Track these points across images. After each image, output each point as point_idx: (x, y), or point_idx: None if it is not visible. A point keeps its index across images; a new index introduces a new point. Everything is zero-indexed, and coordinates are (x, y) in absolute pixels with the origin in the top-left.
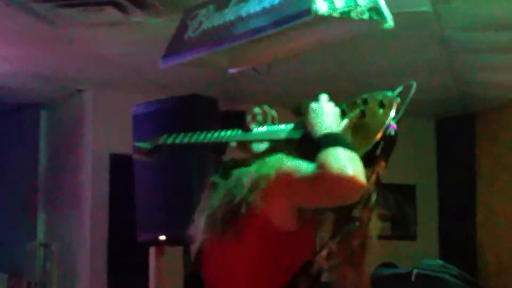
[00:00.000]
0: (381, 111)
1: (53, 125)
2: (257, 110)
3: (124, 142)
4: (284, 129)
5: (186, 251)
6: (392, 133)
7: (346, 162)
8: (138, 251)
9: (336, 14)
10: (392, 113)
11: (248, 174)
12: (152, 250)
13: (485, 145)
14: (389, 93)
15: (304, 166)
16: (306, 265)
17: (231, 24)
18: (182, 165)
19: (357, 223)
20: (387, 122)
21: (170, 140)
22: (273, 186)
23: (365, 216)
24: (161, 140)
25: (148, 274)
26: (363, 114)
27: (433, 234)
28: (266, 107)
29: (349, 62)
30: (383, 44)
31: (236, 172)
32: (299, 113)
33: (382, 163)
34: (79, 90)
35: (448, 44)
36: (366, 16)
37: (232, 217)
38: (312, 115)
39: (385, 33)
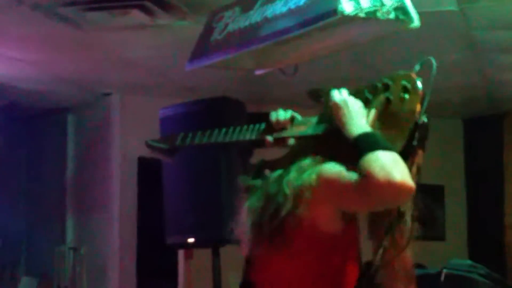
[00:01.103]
0: (407, 96)
1: (80, 129)
2: (273, 118)
3: None
4: (311, 124)
5: (215, 253)
6: (425, 120)
7: (391, 168)
8: (167, 254)
9: (362, 14)
10: (419, 98)
11: (288, 182)
12: (181, 253)
13: None
14: (408, 74)
15: (346, 172)
16: (367, 267)
17: (257, 25)
18: (210, 167)
19: (406, 218)
20: (417, 110)
21: (188, 141)
22: (318, 194)
23: (408, 207)
24: (178, 141)
25: (177, 276)
26: (388, 101)
27: (462, 235)
28: (280, 115)
29: (374, 64)
30: (410, 44)
31: (274, 177)
32: (317, 99)
33: (420, 152)
34: (105, 94)
35: (475, 44)
36: (392, 16)
37: (280, 229)
38: (339, 112)
39: (412, 33)
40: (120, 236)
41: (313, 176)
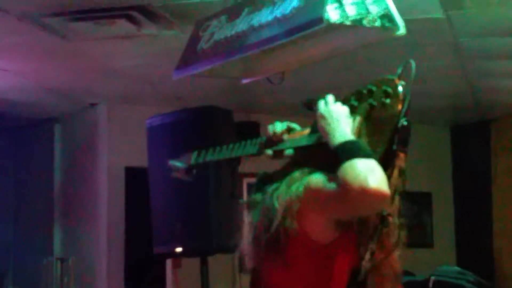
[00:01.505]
0: (388, 100)
1: (67, 139)
2: (270, 131)
3: (139, 155)
4: (305, 134)
5: (203, 262)
6: (405, 122)
7: (366, 176)
8: (155, 264)
9: (348, 22)
10: (400, 102)
11: (278, 195)
12: (169, 262)
13: (500, 151)
14: (391, 78)
15: (328, 183)
16: (355, 273)
17: (243, 34)
18: (197, 176)
19: (390, 220)
20: (397, 113)
21: (201, 159)
22: (305, 206)
23: (394, 210)
24: (193, 160)
25: (165, 285)
26: (371, 107)
27: (450, 242)
28: (277, 127)
29: (362, 71)
30: (396, 51)
31: (271, 190)
32: (311, 109)
33: (402, 156)
34: (92, 104)
35: (461, 51)
36: (378, 23)
37: (274, 242)
38: (323, 122)
39: (398, 41)
40: (108, 246)
41: (300, 188)
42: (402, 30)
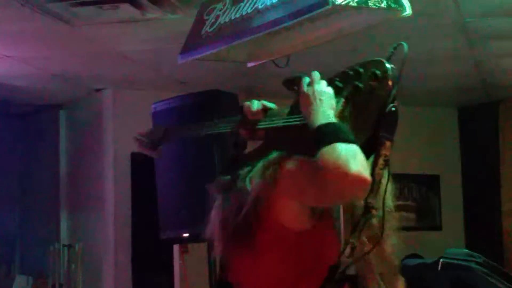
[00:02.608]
0: (376, 83)
1: (72, 125)
2: (245, 109)
3: None
4: (283, 115)
5: (210, 247)
6: (393, 109)
7: (347, 160)
8: (162, 249)
9: (353, 4)
10: (388, 86)
11: (253, 177)
12: (176, 247)
13: (508, 132)
14: (380, 60)
15: (304, 167)
16: (332, 271)
17: (248, 17)
18: (203, 159)
19: (373, 212)
20: (385, 98)
21: (171, 134)
22: (280, 189)
23: (379, 202)
24: (161, 135)
25: (172, 271)
26: (357, 89)
27: (459, 224)
28: (253, 105)
29: (367, 52)
30: (402, 33)
31: (242, 173)
32: (292, 88)
33: (388, 144)
34: (97, 90)
35: (468, 31)
36: (384, 4)
37: (244, 227)
38: (304, 101)
39: (404, 22)
40: (115, 232)
41: (276, 171)
42: (408, 11)
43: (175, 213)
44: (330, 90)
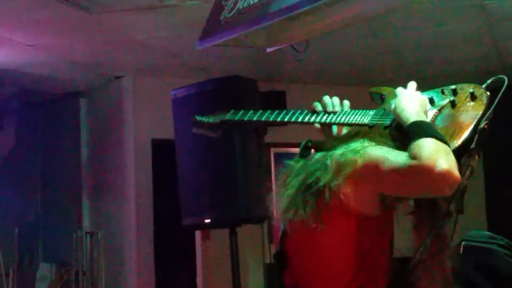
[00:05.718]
0: (472, 102)
1: (93, 113)
2: (326, 100)
3: (165, 127)
4: (368, 115)
5: (232, 233)
6: (485, 126)
7: (441, 155)
8: (184, 235)
9: None
10: (484, 105)
11: (332, 157)
12: (198, 233)
13: None
14: (478, 85)
15: (393, 155)
16: (404, 263)
17: (267, 2)
18: (224, 146)
19: (453, 217)
20: (479, 115)
21: (238, 117)
22: (359, 172)
23: (454, 207)
24: (227, 116)
25: (195, 257)
26: (453, 104)
27: (481, 207)
28: (328, 100)
29: (387, 36)
30: (421, 15)
31: (318, 155)
32: (379, 98)
33: (476, 157)
34: (117, 77)
35: (487, 13)
36: None
37: (314, 200)
38: (400, 99)
39: (422, 5)
40: (137, 219)
41: (358, 155)
42: None
43: (197, 199)
44: (425, 98)
